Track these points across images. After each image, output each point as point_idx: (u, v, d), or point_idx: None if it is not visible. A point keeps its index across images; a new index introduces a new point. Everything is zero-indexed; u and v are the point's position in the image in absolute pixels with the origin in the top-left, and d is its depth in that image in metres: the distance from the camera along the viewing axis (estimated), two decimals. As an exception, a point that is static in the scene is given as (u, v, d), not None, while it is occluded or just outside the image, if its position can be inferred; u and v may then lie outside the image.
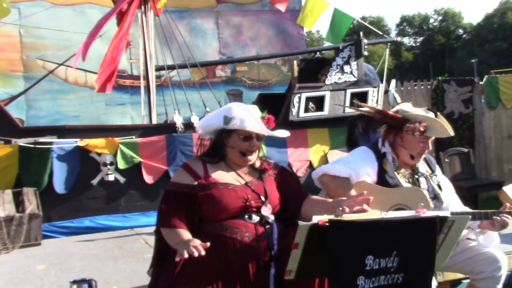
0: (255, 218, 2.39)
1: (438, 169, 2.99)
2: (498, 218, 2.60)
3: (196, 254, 2.08)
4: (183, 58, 7.30)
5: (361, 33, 6.90)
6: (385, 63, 7.49)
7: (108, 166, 5.68)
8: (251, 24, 12.48)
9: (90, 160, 5.67)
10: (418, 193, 2.71)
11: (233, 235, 2.30)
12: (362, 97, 6.70)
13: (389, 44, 8.37)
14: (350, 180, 2.70)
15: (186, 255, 2.08)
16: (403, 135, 2.81)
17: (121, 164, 5.71)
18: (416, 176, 2.86)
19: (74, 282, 2.74)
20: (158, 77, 7.60)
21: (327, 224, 1.87)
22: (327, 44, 11.66)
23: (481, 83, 8.77)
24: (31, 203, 5.05)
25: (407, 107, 2.91)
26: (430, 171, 2.92)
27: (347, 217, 1.97)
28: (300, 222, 1.92)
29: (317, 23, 7.99)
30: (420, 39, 51.13)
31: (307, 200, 2.57)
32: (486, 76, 8.89)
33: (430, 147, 2.83)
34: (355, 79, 6.74)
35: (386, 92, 7.28)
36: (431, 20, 50.50)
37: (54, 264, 4.21)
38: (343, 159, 2.85)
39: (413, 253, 1.95)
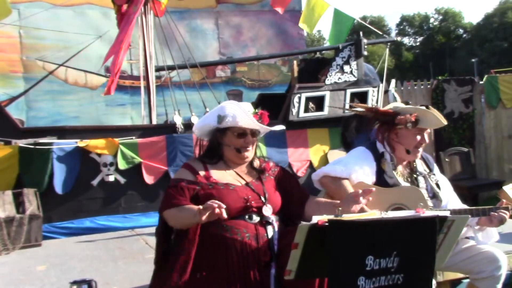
0: (256, 218, 2.39)
1: (436, 168, 2.99)
2: (496, 214, 2.62)
3: (224, 214, 2.11)
4: (183, 59, 7.30)
5: (361, 33, 6.90)
6: (385, 63, 7.49)
7: (108, 167, 5.68)
8: (251, 24, 12.49)
9: (90, 161, 5.67)
10: (415, 193, 2.71)
11: (234, 236, 2.30)
12: (362, 97, 6.71)
13: (389, 44, 8.38)
14: (350, 181, 2.71)
15: (204, 217, 2.12)
16: (398, 130, 2.82)
17: (121, 165, 5.71)
18: (415, 175, 2.86)
19: (74, 282, 2.74)
20: (158, 77, 7.61)
21: (327, 224, 1.87)
22: (327, 44, 11.66)
23: (481, 82, 8.78)
24: (32, 204, 5.05)
25: (399, 105, 2.94)
26: (428, 170, 2.93)
27: (347, 217, 1.96)
28: (302, 223, 1.92)
29: (317, 24, 8.00)
30: (420, 38, 51.11)
31: (310, 201, 2.58)
32: (486, 76, 8.90)
33: (427, 140, 2.84)
34: (355, 79, 6.74)
35: (386, 92, 7.28)
36: (431, 20, 50.47)
37: (55, 265, 4.21)
38: (342, 160, 2.86)
39: (413, 253, 1.94)
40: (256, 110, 2.53)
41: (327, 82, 6.56)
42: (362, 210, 2.43)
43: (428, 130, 2.87)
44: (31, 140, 5.47)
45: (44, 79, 9.46)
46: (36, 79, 10.20)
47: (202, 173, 2.46)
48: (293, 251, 1.92)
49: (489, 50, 40.27)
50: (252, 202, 2.40)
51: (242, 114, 2.46)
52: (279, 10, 7.78)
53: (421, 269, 1.97)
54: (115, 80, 6.13)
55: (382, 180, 2.77)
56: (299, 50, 11.02)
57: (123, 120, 10.76)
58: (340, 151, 6.24)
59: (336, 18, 7.89)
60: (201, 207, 2.16)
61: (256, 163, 2.61)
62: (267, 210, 2.42)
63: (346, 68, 6.69)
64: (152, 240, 2.65)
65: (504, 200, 2.70)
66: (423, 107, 2.84)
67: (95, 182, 5.68)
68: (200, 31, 11.99)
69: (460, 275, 3.05)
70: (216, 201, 2.14)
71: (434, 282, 2.53)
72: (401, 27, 51.90)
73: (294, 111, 6.37)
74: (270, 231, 2.39)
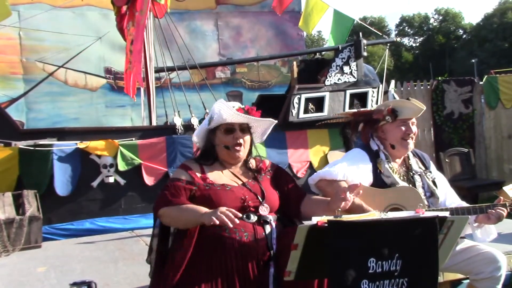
0: (253, 218, 2.39)
1: (432, 165, 3.00)
2: (494, 211, 2.65)
3: (230, 224, 2.14)
4: (183, 60, 7.30)
5: (360, 34, 6.90)
6: (385, 64, 7.50)
7: (108, 168, 5.68)
8: (251, 25, 12.48)
9: (90, 162, 5.66)
10: (413, 193, 2.72)
11: (232, 235, 2.30)
12: (362, 98, 6.70)
13: (388, 44, 8.38)
14: (347, 182, 2.71)
15: (217, 222, 2.14)
16: (382, 127, 2.86)
17: (121, 166, 5.71)
18: (411, 173, 2.87)
19: (74, 284, 2.74)
20: (157, 78, 7.60)
21: (326, 225, 1.87)
22: (326, 44, 11.66)
23: (481, 83, 8.78)
24: (31, 205, 5.05)
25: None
26: (424, 168, 2.93)
27: (346, 217, 1.97)
28: (303, 223, 1.93)
29: (317, 25, 8.01)
30: (420, 39, 51.12)
31: (306, 199, 2.58)
32: (486, 76, 8.90)
33: (413, 130, 2.85)
34: (355, 79, 6.73)
35: (386, 92, 7.27)
36: (431, 20, 50.50)
37: (55, 267, 4.21)
38: (338, 162, 2.86)
39: (415, 256, 1.94)
40: (243, 106, 2.55)
41: (327, 83, 6.55)
42: (363, 210, 2.44)
43: (413, 120, 2.88)
44: (31, 142, 5.46)
45: (44, 81, 9.46)
46: (36, 80, 10.21)
47: (198, 174, 2.47)
48: (292, 252, 1.92)
49: (488, 50, 40.29)
50: (249, 202, 2.41)
51: (226, 109, 2.48)
52: (278, 10, 7.78)
53: (425, 273, 1.95)
54: (142, 85, 6.26)
55: (379, 180, 2.77)
56: (298, 51, 11.01)
57: (123, 121, 10.74)
58: (340, 151, 6.24)
59: (336, 19, 7.89)
60: (207, 210, 2.21)
61: (252, 163, 2.62)
62: (264, 210, 2.43)
63: (346, 69, 6.69)
64: (152, 241, 2.64)
65: (501, 197, 2.72)
66: (399, 99, 2.92)
67: (95, 183, 5.67)
68: (200, 32, 11.98)
69: (460, 276, 3.05)
70: (231, 213, 2.17)
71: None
72: (401, 27, 51.95)
73: (294, 112, 6.37)
74: (268, 230, 2.39)
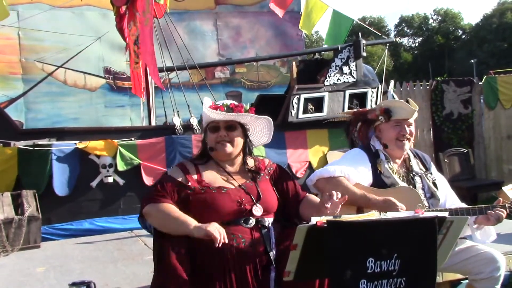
0: (251, 222, 2.37)
1: (433, 167, 3.00)
2: (493, 212, 2.65)
3: (217, 244, 2.15)
4: (182, 60, 7.30)
5: (360, 34, 6.90)
6: (384, 64, 7.50)
7: (108, 168, 5.68)
8: (250, 25, 12.49)
9: (89, 162, 5.66)
10: (412, 193, 2.72)
11: (230, 242, 2.27)
12: (361, 98, 6.70)
13: (388, 44, 8.38)
14: (345, 178, 2.72)
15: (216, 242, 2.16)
16: (378, 126, 2.90)
17: (121, 166, 5.70)
18: (411, 175, 2.87)
19: (74, 284, 2.74)
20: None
21: (325, 225, 1.87)
22: (326, 45, 11.67)
23: (480, 83, 8.79)
24: (30, 205, 5.04)
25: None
26: (424, 169, 2.93)
27: (346, 217, 1.97)
28: (303, 223, 1.92)
29: (316, 25, 8.01)
30: (419, 39, 51.12)
31: (304, 200, 2.57)
32: (485, 77, 8.91)
33: (408, 131, 2.85)
34: (354, 80, 6.73)
35: (385, 93, 7.27)
36: (430, 21, 50.49)
37: (54, 267, 4.20)
38: (336, 162, 2.87)
39: (414, 256, 1.94)
40: (229, 103, 2.53)
41: (326, 83, 6.55)
42: (367, 200, 2.45)
43: (410, 121, 2.89)
44: (30, 142, 5.46)
45: (43, 81, 9.45)
46: (35, 80, 10.21)
47: (194, 176, 2.45)
48: (292, 252, 1.92)
49: (488, 51, 40.28)
50: (246, 204, 2.39)
51: (205, 108, 2.49)
52: (279, 12, 7.75)
53: (423, 273, 1.95)
54: (162, 87, 6.31)
55: (379, 180, 2.77)
56: (298, 51, 11.01)
57: (122, 121, 10.74)
58: (339, 152, 6.24)
59: (335, 19, 7.89)
60: (199, 225, 2.21)
61: (251, 163, 2.59)
62: (258, 210, 2.39)
63: (345, 69, 6.69)
64: (151, 242, 2.64)
65: (501, 199, 2.72)
66: (393, 100, 2.96)
67: (94, 183, 5.67)
68: (199, 33, 11.99)
69: (459, 276, 3.05)
70: (221, 234, 2.17)
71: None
72: (400, 28, 51.92)
73: (293, 112, 6.37)
74: (267, 235, 2.37)
